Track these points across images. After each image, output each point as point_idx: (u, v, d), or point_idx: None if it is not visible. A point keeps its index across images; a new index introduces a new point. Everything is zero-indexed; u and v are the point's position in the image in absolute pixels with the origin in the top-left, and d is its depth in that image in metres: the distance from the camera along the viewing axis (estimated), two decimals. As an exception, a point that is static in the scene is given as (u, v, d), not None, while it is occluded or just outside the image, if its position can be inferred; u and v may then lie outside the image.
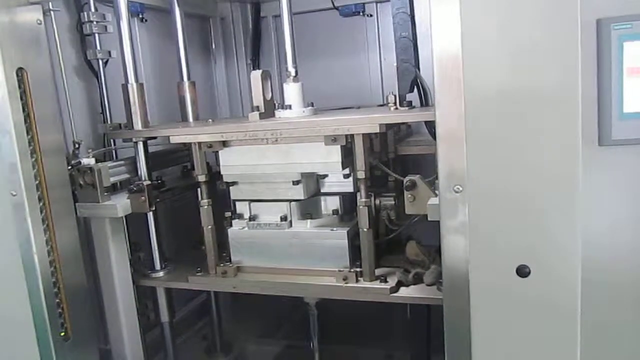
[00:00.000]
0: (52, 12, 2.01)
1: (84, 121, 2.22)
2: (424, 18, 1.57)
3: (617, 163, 1.27)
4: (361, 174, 1.82)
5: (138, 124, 2.08)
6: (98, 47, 2.17)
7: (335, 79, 2.83)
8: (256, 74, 2.05)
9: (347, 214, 2.06)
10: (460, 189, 1.26)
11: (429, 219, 1.51)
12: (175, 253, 2.46)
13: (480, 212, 1.26)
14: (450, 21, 1.20)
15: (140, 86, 2.08)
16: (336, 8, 2.76)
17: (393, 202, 2.01)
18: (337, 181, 2.02)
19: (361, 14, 2.77)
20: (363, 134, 1.79)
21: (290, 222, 2.05)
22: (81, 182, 1.96)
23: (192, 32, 2.77)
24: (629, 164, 1.26)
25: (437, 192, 1.41)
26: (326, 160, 1.86)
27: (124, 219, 2.13)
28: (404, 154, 2.13)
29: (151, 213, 2.16)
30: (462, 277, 1.29)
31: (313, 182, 2.05)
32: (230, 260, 2.12)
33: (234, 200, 2.12)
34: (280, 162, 1.92)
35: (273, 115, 2.07)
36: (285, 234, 2.04)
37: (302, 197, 1.99)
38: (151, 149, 2.16)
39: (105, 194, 1.97)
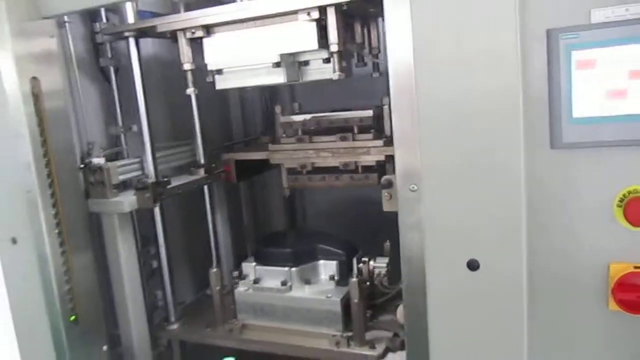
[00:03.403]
0: (67, 24, 2.18)
1: (97, 123, 2.38)
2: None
3: (568, 164, 1.34)
4: (334, 47, 1.87)
5: (130, 18, 2.15)
6: (109, 55, 2.33)
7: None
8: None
9: (344, 278, 2.21)
10: (416, 188, 1.36)
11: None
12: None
13: (434, 210, 1.36)
14: (403, 34, 1.30)
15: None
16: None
17: (386, 269, 2.17)
18: (317, 68, 2.06)
19: None
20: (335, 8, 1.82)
21: (290, 286, 2.22)
22: (92, 180, 2.13)
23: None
24: (579, 166, 1.34)
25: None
26: (303, 37, 1.91)
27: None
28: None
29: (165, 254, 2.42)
30: (419, 270, 1.40)
31: (294, 69, 2.08)
32: (236, 317, 2.32)
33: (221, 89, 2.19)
34: (260, 45, 1.99)
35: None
36: (285, 298, 2.22)
37: (282, 81, 2.04)
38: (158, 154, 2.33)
39: (114, 190, 2.13)
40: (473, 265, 1.33)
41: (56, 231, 1.94)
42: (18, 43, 1.81)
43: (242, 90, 3.20)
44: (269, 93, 3.20)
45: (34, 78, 1.85)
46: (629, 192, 1.30)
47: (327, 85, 2.72)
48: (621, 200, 1.30)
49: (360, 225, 2.80)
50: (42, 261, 1.93)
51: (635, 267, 1.31)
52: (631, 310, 1.31)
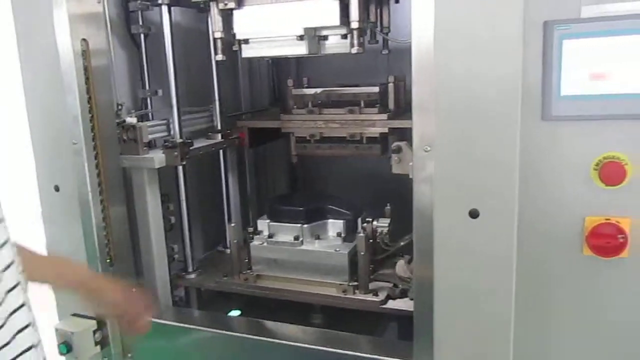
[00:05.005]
0: (103, -9, 2.36)
1: (126, 86, 2.56)
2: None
3: (555, 134, 1.62)
4: (355, 24, 2.08)
5: None
6: (141, 23, 2.52)
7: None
8: None
9: (349, 235, 2.47)
10: (429, 149, 1.63)
11: (410, 176, 1.87)
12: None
13: (443, 167, 1.62)
14: (426, 18, 1.56)
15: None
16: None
17: (387, 228, 2.43)
18: (336, 43, 2.25)
19: None
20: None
21: (302, 241, 2.46)
22: (124, 138, 2.32)
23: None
24: (564, 135, 1.62)
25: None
26: (326, 14, 2.11)
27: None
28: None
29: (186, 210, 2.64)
30: (428, 218, 1.66)
31: (315, 43, 2.27)
32: (251, 268, 2.55)
33: (247, 57, 2.39)
34: (286, 19, 2.18)
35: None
36: (297, 251, 2.45)
37: (304, 52, 2.23)
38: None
39: (145, 148, 2.34)
40: (474, 214, 1.62)
41: (97, 181, 2.15)
42: (70, 8, 2.00)
43: (251, 63, 3.42)
44: (277, 67, 3.41)
45: (84, 39, 2.05)
46: (604, 158, 1.58)
47: (332, 63, 3.00)
48: (597, 165, 1.59)
49: (357, 195, 3.05)
50: (84, 208, 2.14)
51: (606, 219, 1.60)
52: (601, 254, 1.61)
